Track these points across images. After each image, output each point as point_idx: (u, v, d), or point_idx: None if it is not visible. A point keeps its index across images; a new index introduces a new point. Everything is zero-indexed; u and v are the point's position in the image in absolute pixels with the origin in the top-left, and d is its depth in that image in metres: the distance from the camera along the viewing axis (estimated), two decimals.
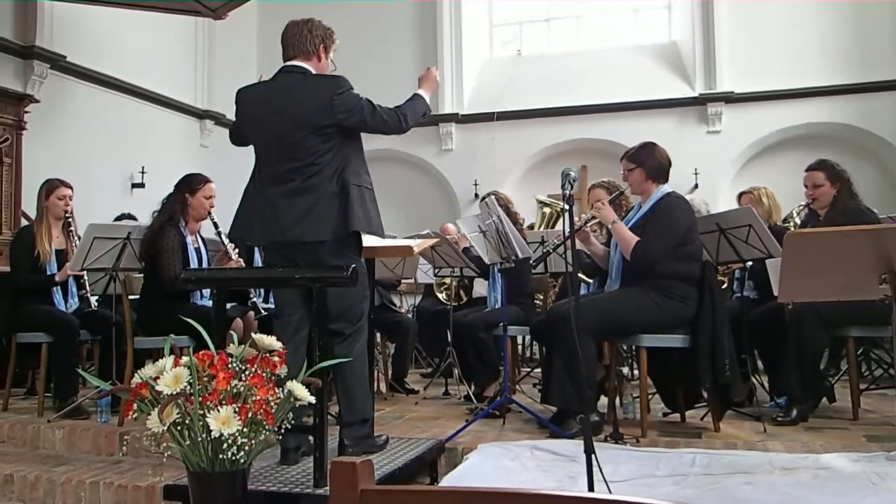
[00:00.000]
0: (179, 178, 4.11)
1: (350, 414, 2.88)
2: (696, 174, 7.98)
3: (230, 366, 2.13)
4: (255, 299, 4.25)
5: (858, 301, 2.19)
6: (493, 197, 4.17)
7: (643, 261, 3.38)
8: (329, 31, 3.06)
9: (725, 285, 4.63)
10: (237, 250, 4.10)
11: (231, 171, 8.52)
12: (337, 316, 2.84)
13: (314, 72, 2.99)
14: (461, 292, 5.58)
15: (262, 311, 4.18)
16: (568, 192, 2.62)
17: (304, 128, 2.86)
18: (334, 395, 3.24)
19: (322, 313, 2.61)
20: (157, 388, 2.05)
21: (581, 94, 8.49)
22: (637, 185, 3.60)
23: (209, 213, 4.02)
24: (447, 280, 5.40)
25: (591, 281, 4.55)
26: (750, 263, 4.09)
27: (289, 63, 3.00)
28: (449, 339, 4.80)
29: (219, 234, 4.06)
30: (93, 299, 4.40)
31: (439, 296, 5.75)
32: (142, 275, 4.08)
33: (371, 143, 3.26)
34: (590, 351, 3.32)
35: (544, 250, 4.07)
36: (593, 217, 3.72)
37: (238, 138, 3.20)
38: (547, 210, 6.91)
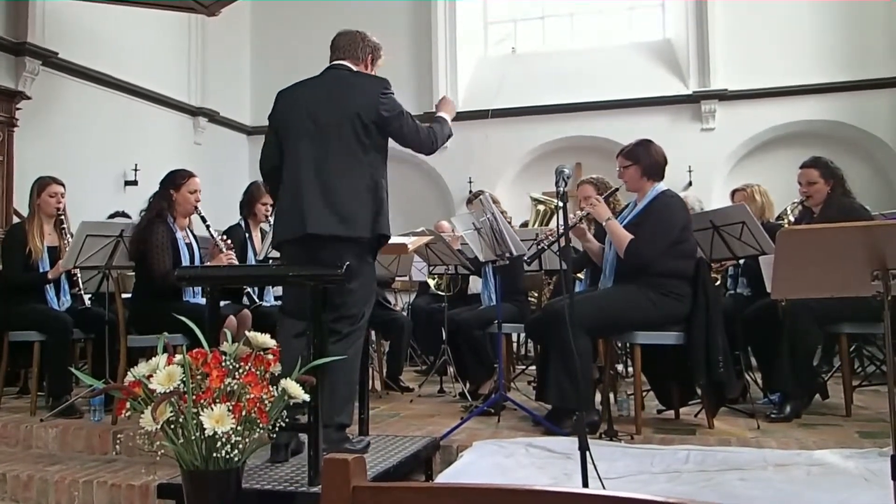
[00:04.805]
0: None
1: (328, 415, 2.68)
2: (689, 171, 8.00)
3: (224, 364, 2.12)
4: (247, 290, 4.26)
5: (851, 298, 2.20)
6: (487, 194, 4.17)
7: (637, 259, 3.39)
8: (379, 45, 3.15)
9: (719, 282, 4.64)
10: (228, 241, 4.08)
11: (223, 168, 8.56)
12: (337, 315, 2.84)
13: None
14: (451, 285, 5.58)
15: (257, 301, 4.19)
16: (562, 189, 2.62)
17: (350, 116, 2.88)
18: None
19: (317, 311, 2.61)
20: (151, 386, 2.05)
21: (575, 92, 8.50)
22: (632, 182, 3.59)
23: (196, 208, 4.00)
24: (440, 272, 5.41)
25: (581, 277, 4.56)
26: (743, 260, 4.10)
27: (337, 62, 3.07)
28: (444, 337, 4.80)
29: (207, 227, 4.05)
30: (86, 297, 4.38)
31: (430, 282, 5.75)
32: (134, 273, 4.07)
33: None
34: (585, 348, 3.32)
35: (538, 248, 4.07)
36: (587, 213, 3.72)
37: (270, 158, 3.08)
38: (541, 207, 6.91)
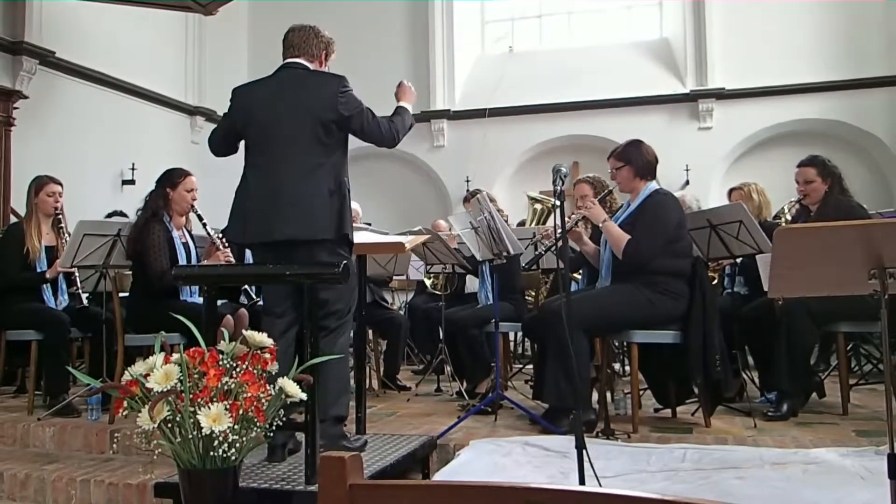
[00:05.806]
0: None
1: (322, 411, 2.67)
2: (687, 170, 8.01)
3: (221, 363, 2.12)
4: (245, 287, 4.26)
5: (848, 296, 2.20)
6: (484, 193, 4.17)
7: (635, 259, 3.39)
8: (332, 40, 3.12)
9: (716, 281, 4.65)
10: (224, 241, 4.09)
11: (220, 167, 8.52)
12: (324, 312, 2.83)
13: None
14: (448, 284, 5.58)
15: (254, 298, 4.19)
16: (559, 188, 2.62)
17: (308, 117, 2.87)
18: None
19: (313, 310, 2.60)
20: (148, 385, 2.04)
21: (573, 91, 8.50)
22: (625, 182, 3.60)
23: (192, 207, 4.00)
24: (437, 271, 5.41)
25: (578, 277, 4.56)
26: (741, 259, 4.10)
27: (291, 60, 3.03)
28: (441, 336, 4.80)
29: (204, 226, 4.04)
30: (83, 296, 4.38)
31: (427, 281, 5.76)
32: (132, 272, 4.07)
33: None
34: (582, 347, 3.33)
35: (536, 253, 4.08)
36: (583, 216, 3.73)
37: (222, 143, 3.10)
38: (538, 206, 6.91)
